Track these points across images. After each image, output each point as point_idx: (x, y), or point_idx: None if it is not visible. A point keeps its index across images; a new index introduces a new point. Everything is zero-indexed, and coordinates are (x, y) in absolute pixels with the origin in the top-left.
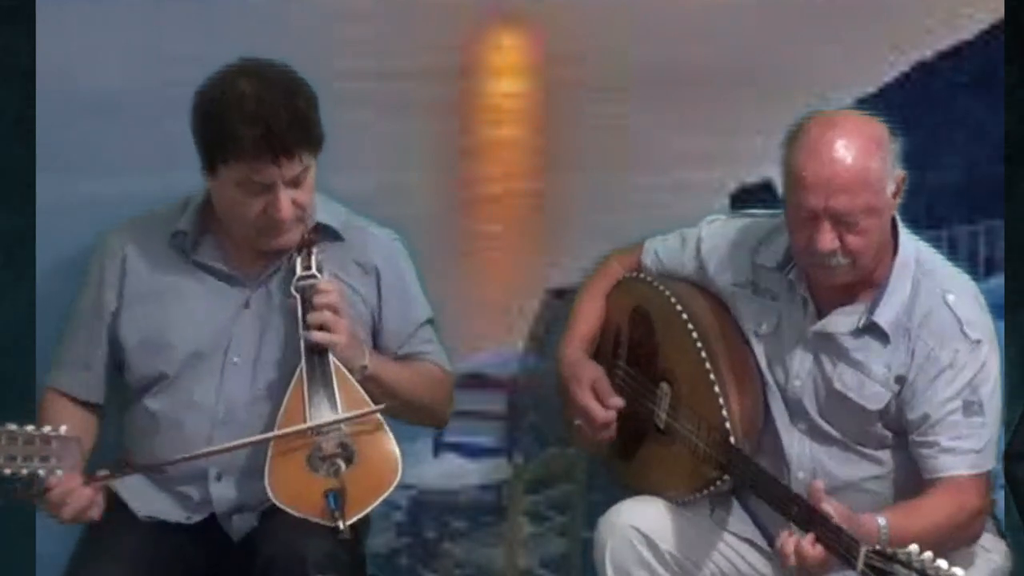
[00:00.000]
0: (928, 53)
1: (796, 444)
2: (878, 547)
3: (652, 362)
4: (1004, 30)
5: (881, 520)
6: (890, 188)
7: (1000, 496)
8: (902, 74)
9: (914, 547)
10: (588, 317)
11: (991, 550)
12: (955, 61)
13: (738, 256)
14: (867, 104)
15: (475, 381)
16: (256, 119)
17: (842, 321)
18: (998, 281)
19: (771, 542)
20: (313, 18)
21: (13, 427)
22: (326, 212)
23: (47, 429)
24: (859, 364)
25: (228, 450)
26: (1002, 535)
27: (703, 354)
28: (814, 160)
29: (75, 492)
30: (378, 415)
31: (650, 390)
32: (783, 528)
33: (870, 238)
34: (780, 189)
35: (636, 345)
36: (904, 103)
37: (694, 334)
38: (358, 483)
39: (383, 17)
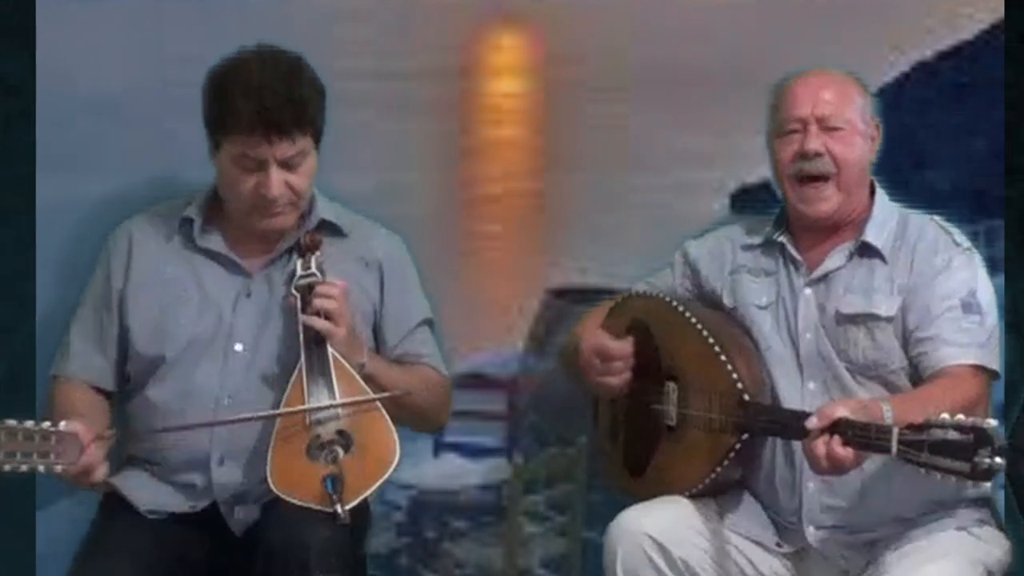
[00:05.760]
0: (928, 53)
1: (807, 404)
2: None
3: (655, 367)
4: (1004, 30)
5: (886, 407)
6: (865, 122)
7: (1000, 494)
8: (902, 74)
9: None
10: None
11: (992, 544)
12: (955, 61)
13: (725, 251)
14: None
15: (475, 381)
16: (252, 93)
17: (835, 258)
18: (998, 281)
19: (781, 535)
20: (313, 18)
21: (13, 423)
22: (329, 210)
23: (47, 425)
24: (862, 285)
25: (223, 423)
26: (1003, 529)
27: (704, 333)
28: (802, 81)
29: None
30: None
31: (657, 393)
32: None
33: (853, 150)
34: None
35: (638, 356)
36: (904, 103)
37: (693, 319)
38: (356, 469)
39: (383, 17)
